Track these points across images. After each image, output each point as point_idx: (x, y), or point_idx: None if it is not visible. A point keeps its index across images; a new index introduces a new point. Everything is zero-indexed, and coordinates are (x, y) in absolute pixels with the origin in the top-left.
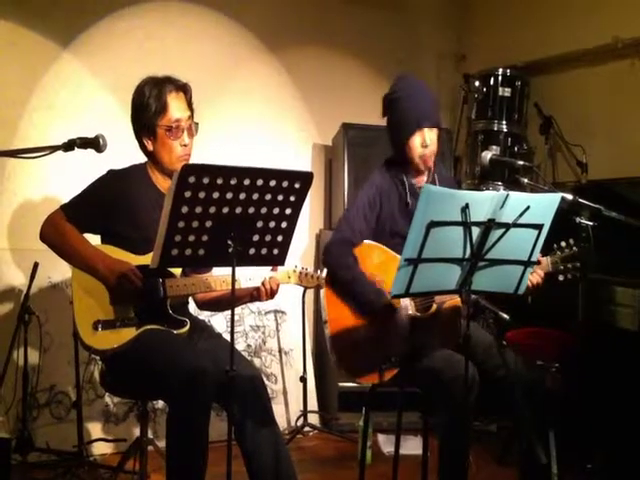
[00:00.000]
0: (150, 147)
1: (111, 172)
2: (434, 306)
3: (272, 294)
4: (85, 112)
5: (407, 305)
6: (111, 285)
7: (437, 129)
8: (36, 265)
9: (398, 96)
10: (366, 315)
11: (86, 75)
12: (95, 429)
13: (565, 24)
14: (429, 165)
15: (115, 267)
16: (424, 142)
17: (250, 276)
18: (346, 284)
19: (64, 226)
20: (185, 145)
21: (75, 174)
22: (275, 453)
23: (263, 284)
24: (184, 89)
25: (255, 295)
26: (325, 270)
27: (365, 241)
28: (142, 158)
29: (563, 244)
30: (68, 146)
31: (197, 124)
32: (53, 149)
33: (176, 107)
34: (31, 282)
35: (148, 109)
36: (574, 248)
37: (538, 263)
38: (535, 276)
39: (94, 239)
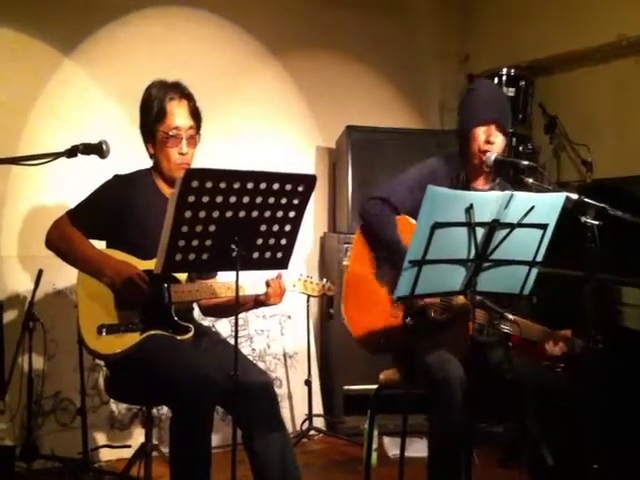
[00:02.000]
0: (152, 151)
1: (116, 177)
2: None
3: (281, 292)
4: (89, 119)
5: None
6: (117, 289)
7: (504, 137)
8: (41, 272)
9: (478, 89)
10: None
11: (90, 82)
12: (100, 436)
13: (569, 23)
14: (487, 163)
15: (121, 270)
16: (489, 138)
17: (254, 282)
18: (379, 241)
19: (70, 231)
20: (182, 154)
21: (80, 181)
22: (282, 457)
23: (269, 283)
24: (188, 98)
25: (261, 299)
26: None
27: (404, 215)
28: (146, 164)
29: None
30: (71, 152)
31: (200, 135)
32: (56, 156)
33: (176, 114)
34: (36, 289)
35: (150, 113)
36: (599, 346)
37: (567, 339)
38: (558, 349)
39: (99, 245)
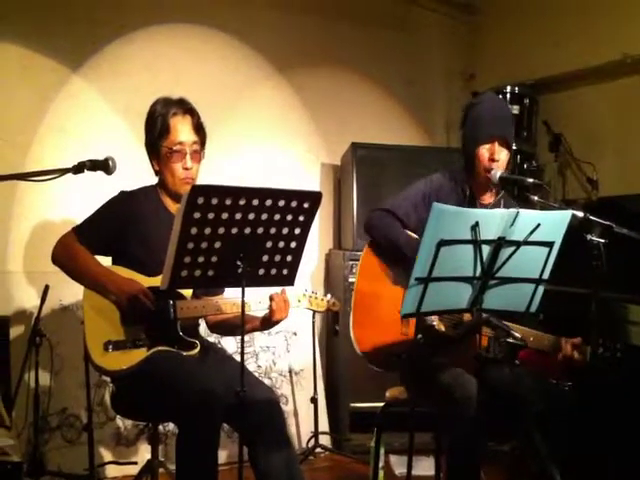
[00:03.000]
0: (156, 167)
1: (123, 193)
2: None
3: (286, 307)
4: (96, 135)
5: (434, 318)
6: (122, 306)
7: (508, 152)
8: (47, 288)
9: (479, 104)
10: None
11: (96, 98)
12: (106, 452)
13: (573, 42)
14: (492, 180)
15: (126, 288)
16: (493, 156)
17: (260, 299)
18: (392, 247)
19: (76, 247)
20: (187, 168)
21: (86, 197)
22: (289, 475)
23: (272, 298)
24: (191, 113)
25: (267, 316)
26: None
27: (410, 233)
28: (152, 181)
29: (607, 344)
30: (78, 169)
31: (204, 150)
32: (63, 172)
33: (180, 130)
34: (42, 304)
35: (154, 129)
36: (618, 354)
37: (578, 346)
38: (575, 353)
39: (105, 261)
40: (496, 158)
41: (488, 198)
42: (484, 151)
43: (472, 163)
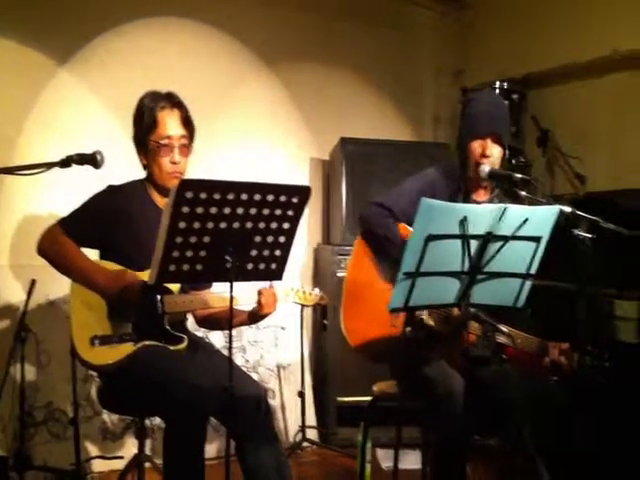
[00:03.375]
0: (144, 161)
1: (110, 187)
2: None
3: (274, 301)
4: (84, 129)
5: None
6: (110, 295)
7: (501, 149)
8: (33, 282)
9: (477, 100)
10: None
11: (85, 92)
12: (92, 446)
13: (562, 37)
14: (481, 175)
15: (115, 277)
16: (484, 151)
17: (248, 293)
18: (381, 242)
19: (62, 240)
20: (174, 163)
21: (73, 191)
22: (277, 470)
23: (261, 292)
24: (179, 107)
25: (255, 310)
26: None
27: (403, 224)
28: (140, 175)
29: (595, 352)
30: (65, 163)
31: (192, 144)
32: (50, 166)
33: (168, 124)
34: (28, 299)
35: (142, 123)
36: (606, 364)
37: (566, 352)
38: (562, 359)
39: (92, 255)
40: (488, 154)
41: (482, 195)
42: (476, 146)
43: (465, 158)
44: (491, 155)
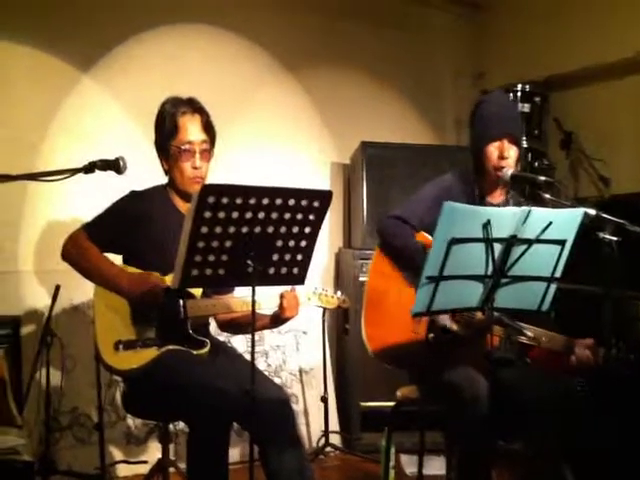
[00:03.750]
0: (166, 167)
1: (133, 192)
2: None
3: (296, 304)
4: (106, 135)
5: (446, 317)
6: (134, 299)
7: (517, 149)
8: (58, 287)
9: (487, 103)
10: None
11: (107, 99)
12: (117, 451)
13: (584, 39)
14: (504, 178)
15: (138, 280)
16: (502, 153)
17: (270, 298)
18: (401, 254)
19: (86, 245)
20: (196, 168)
21: (96, 196)
22: (300, 474)
23: (283, 296)
24: (200, 112)
25: (277, 313)
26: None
27: (423, 232)
28: (162, 180)
29: (620, 345)
30: (89, 169)
31: (214, 150)
32: (74, 172)
33: (189, 129)
34: (53, 304)
35: (163, 128)
36: (631, 356)
37: (591, 347)
38: (588, 355)
39: (115, 260)
40: (505, 156)
41: (497, 197)
42: (493, 149)
43: (481, 162)
44: (509, 157)
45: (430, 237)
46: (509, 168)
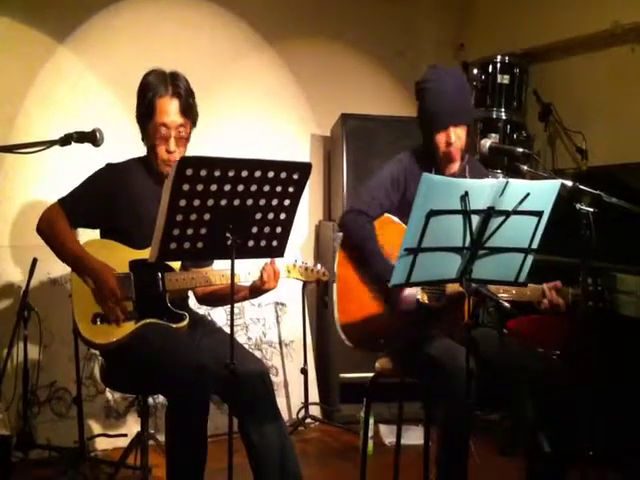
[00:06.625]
0: (145, 141)
1: (109, 165)
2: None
3: (276, 276)
4: (83, 107)
5: (417, 291)
6: (92, 288)
7: (465, 127)
8: (35, 261)
9: (428, 87)
10: (375, 287)
11: (83, 69)
12: (96, 425)
13: (564, 10)
14: (453, 159)
15: (95, 275)
16: (449, 140)
17: (249, 270)
18: (360, 254)
19: (58, 225)
20: (170, 152)
21: (73, 170)
22: (280, 446)
23: (263, 268)
24: (179, 95)
25: (257, 284)
26: (341, 234)
27: (386, 214)
28: (140, 152)
29: (590, 281)
30: (65, 140)
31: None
32: (50, 144)
33: (165, 111)
34: (30, 278)
35: (142, 105)
36: (599, 289)
37: (559, 289)
38: (556, 298)
39: (93, 234)
40: (452, 141)
41: (453, 167)
42: (440, 137)
43: (432, 145)
44: (457, 139)
45: (395, 218)
46: (488, 140)
